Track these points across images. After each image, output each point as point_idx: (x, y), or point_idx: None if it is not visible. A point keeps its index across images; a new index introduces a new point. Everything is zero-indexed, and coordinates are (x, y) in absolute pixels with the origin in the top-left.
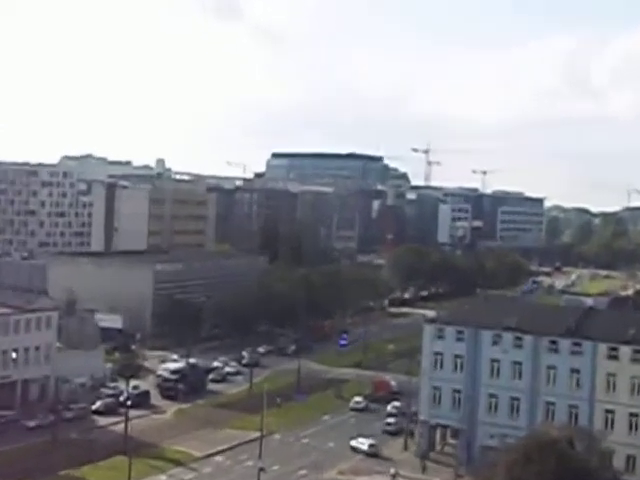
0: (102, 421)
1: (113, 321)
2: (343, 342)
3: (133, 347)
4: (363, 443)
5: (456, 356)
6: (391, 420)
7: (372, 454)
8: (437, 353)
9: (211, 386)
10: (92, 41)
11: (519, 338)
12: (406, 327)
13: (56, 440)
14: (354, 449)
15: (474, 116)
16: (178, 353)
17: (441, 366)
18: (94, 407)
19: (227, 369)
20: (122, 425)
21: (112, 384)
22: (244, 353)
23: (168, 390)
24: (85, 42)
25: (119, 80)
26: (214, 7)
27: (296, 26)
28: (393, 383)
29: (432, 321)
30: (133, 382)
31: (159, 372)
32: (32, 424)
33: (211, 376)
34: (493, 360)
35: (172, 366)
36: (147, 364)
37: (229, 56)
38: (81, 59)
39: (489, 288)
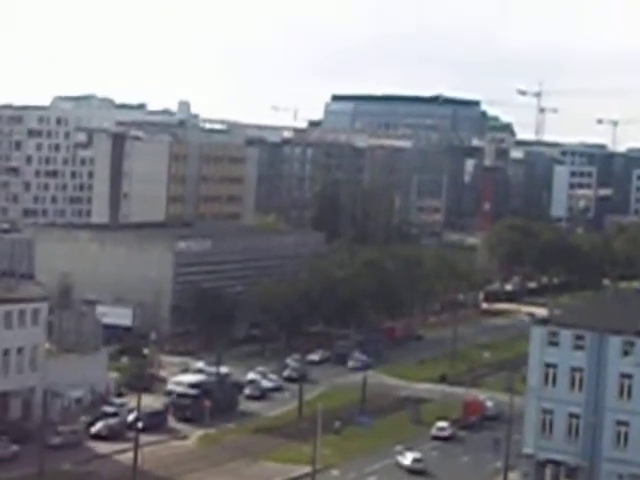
0: (104, 448)
1: (120, 316)
2: (363, 359)
3: (146, 351)
4: (406, 457)
5: (574, 369)
6: None
7: (416, 471)
8: (549, 365)
9: (245, 405)
10: None
11: None
12: (508, 329)
13: (43, 473)
14: (399, 465)
15: (601, 44)
16: (205, 360)
17: (554, 382)
18: (94, 430)
19: (264, 383)
20: (130, 454)
21: (118, 400)
22: (288, 362)
23: (184, 409)
24: None
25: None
26: None
27: None
28: (489, 404)
29: (543, 322)
30: (146, 398)
31: (169, 386)
32: (10, 452)
33: (247, 392)
34: (624, 375)
35: (187, 379)
36: (164, 374)
37: None
38: None
39: (620, 279)
